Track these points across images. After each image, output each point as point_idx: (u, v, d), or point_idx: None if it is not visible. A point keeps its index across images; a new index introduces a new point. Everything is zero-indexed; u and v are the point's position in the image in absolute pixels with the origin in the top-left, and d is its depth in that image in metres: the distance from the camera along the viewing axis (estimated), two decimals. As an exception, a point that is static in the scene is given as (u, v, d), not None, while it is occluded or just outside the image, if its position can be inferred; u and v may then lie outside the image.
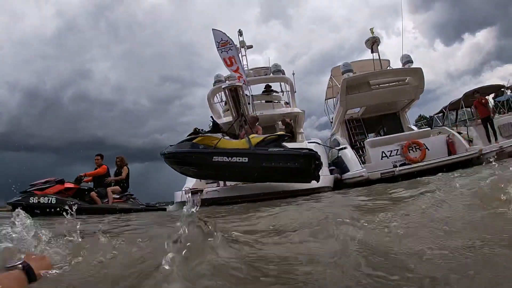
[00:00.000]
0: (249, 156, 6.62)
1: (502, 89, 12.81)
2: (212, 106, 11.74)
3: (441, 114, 12.74)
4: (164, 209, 8.89)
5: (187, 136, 7.19)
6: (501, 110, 11.87)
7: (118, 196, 8.16)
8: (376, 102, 11.16)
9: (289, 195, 6.89)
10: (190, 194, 7.85)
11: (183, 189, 8.32)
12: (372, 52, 12.01)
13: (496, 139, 9.20)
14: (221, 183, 8.08)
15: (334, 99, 13.14)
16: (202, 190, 7.75)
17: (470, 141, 9.42)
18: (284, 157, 6.68)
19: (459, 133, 9.71)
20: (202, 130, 7.26)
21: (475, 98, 10.27)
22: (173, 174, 7.91)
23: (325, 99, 14.43)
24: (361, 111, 12.17)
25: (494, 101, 13.06)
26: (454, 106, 11.61)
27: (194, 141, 6.94)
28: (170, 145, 7.24)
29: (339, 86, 11.11)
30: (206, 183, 8.62)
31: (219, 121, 8.59)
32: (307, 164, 6.69)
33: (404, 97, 11.34)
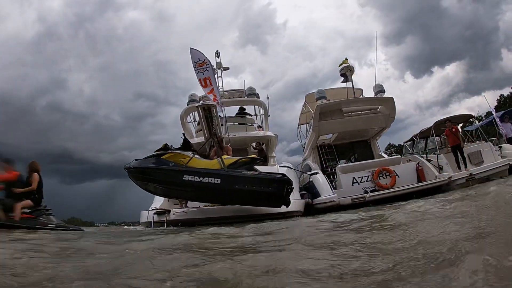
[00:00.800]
0: (222, 178, 6.43)
1: (471, 119, 13.45)
2: (184, 125, 11.57)
3: (411, 142, 13.10)
4: (82, 230, 7.74)
5: (156, 151, 6.89)
6: (470, 139, 12.39)
7: (28, 211, 6.63)
8: (348, 129, 11.32)
9: (259, 218, 6.69)
10: (156, 215, 7.53)
11: (150, 209, 7.96)
12: (346, 80, 12.30)
13: (465, 166, 9.46)
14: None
15: (307, 125, 13.27)
16: (169, 211, 7.45)
17: (440, 168, 9.61)
18: (258, 180, 6.55)
19: (429, 160, 9.93)
20: (172, 146, 7.01)
21: (445, 127, 10.67)
22: (141, 193, 7.58)
23: (298, 125, 14.57)
24: (333, 138, 12.32)
25: (463, 130, 13.66)
26: (424, 134, 11.96)
27: (163, 157, 6.69)
28: (136, 159, 6.91)
29: (312, 112, 11.27)
30: (174, 204, 8.35)
31: (191, 141, 8.42)
32: (280, 189, 6.59)
33: (376, 125, 11.58)
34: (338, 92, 12.61)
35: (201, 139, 9.34)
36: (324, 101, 11.07)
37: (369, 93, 12.72)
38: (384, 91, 11.66)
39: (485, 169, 9.32)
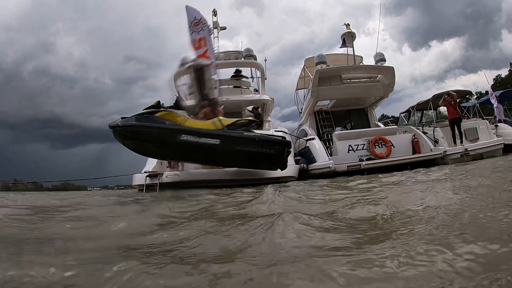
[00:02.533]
0: (222, 138, 6.20)
1: (468, 96, 13.41)
2: (175, 88, 11.16)
3: (407, 113, 13.08)
4: None
5: (146, 108, 6.47)
6: (465, 115, 12.43)
7: None
8: (346, 96, 11.23)
9: (254, 182, 6.72)
10: (148, 178, 7.40)
11: (142, 171, 7.77)
12: (344, 46, 12.01)
13: (461, 141, 9.49)
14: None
15: (305, 90, 13.10)
16: (162, 174, 7.28)
17: (435, 141, 9.63)
18: (260, 142, 6.37)
19: (425, 133, 9.95)
20: (163, 104, 6.63)
21: (444, 100, 10.62)
22: (134, 156, 7.33)
23: (296, 89, 14.40)
24: (330, 104, 12.19)
25: (460, 106, 13.65)
26: (421, 106, 11.93)
27: (156, 114, 6.31)
28: (122, 117, 6.41)
29: (311, 77, 11.06)
30: (167, 166, 8.19)
31: (185, 104, 8.11)
32: (281, 151, 6.48)
33: (374, 94, 11.50)
34: (338, 58, 12.41)
35: (193, 102, 9.02)
36: (324, 66, 10.87)
37: (368, 61, 12.54)
38: (385, 60, 11.52)
39: (480, 146, 9.37)
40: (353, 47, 12.04)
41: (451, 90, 11.60)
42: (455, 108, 9.85)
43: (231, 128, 6.45)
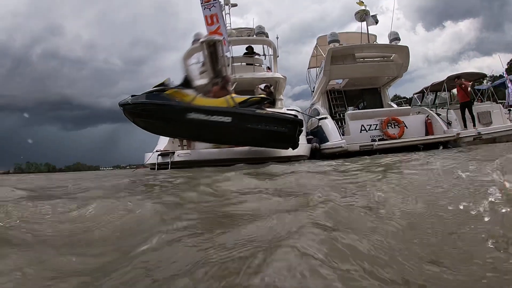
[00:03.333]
0: (234, 116, 6.11)
1: (482, 79, 13.16)
2: (187, 67, 11.04)
3: (421, 94, 12.88)
4: None
5: (155, 87, 6.44)
6: (479, 98, 12.25)
7: None
8: (359, 75, 11.06)
9: (267, 161, 6.66)
10: (160, 157, 7.45)
11: (154, 150, 7.83)
12: (366, 23, 11.72)
13: (474, 124, 9.41)
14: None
15: (317, 68, 12.93)
16: (173, 153, 7.36)
17: (449, 123, 9.54)
18: (272, 120, 6.33)
19: (438, 114, 9.82)
20: (173, 82, 6.57)
21: (456, 83, 10.43)
22: (145, 136, 7.36)
23: (308, 68, 14.21)
24: (343, 83, 12.04)
25: (473, 89, 13.42)
26: (435, 88, 11.74)
27: (166, 92, 6.27)
28: (132, 95, 6.41)
29: (324, 55, 10.89)
30: (178, 145, 8.27)
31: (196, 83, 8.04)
32: (293, 129, 6.42)
33: (388, 74, 11.34)
34: (351, 36, 12.18)
35: (205, 81, 8.94)
36: (337, 44, 10.67)
37: (382, 40, 12.29)
38: (399, 39, 11.28)
39: (493, 130, 9.32)
40: (367, 26, 11.79)
41: (464, 72, 11.41)
42: (465, 91, 9.73)
43: (243, 106, 6.39)
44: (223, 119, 6.09)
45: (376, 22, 11.65)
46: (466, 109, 9.68)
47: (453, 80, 11.15)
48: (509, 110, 11.03)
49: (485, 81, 14.49)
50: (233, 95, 6.73)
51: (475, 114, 9.73)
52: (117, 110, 6.48)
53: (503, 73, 13.93)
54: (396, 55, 10.98)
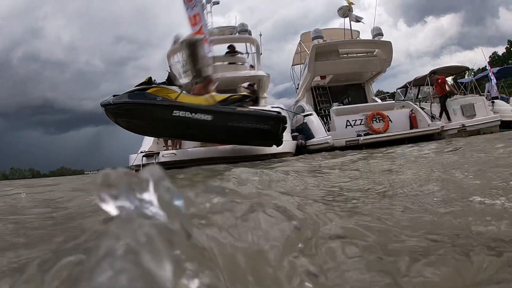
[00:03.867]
0: (214, 114, 6.07)
1: (464, 72, 13.42)
2: (171, 66, 10.97)
3: (404, 88, 13.04)
4: None
5: (138, 85, 6.33)
6: (462, 91, 12.48)
7: None
8: (343, 71, 11.14)
9: (252, 159, 6.71)
10: (144, 158, 7.34)
11: (139, 152, 7.70)
12: (349, 19, 11.85)
13: (448, 118, 9.64)
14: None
15: (301, 65, 12.97)
16: (158, 153, 7.24)
17: (432, 117, 9.68)
18: (253, 117, 6.29)
19: (422, 108, 9.96)
20: (155, 81, 6.49)
21: (440, 74, 10.58)
22: (130, 137, 7.26)
23: (292, 65, 14.28)
24: (327, 79, 12.10)
25: (456, 82, 13.68)
26: (419, 82, 11.91)
27: (148, 91, 6.16)
28: (114, 95, 6.28)
29: (308, 52, 10.89)
30: (163, 146, 8.16)
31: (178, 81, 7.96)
32: (276, 126, 6.40)
33: (371, 69, 11.46)
34: (335, 32, 12.31)
35: (188, 80, 8.87)
36: (321, 41, 10.73)
37: (365, 36, 12.41)
38: (382, 35, 11.41)
39: (477, 122, 9.48)
40: (351, 20, 11.89)
41: (448, 66, 11.66)
42: (441, 86, 9.93)
43: (224, 104, 6.37)
44: (204, 117, 6.03)
45: (358, 21, 11.77)
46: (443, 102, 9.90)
47: (432, 75, 11.41)
48: (493, 102, 11.22)
49: (466, 75, 14.73)
50: (214, 93, 6.69)
51: (458, 107, 9.90)
52: (99, 112, 6.35)
53: (486, 66, 14.16)
54: (379, 50, 11.10)
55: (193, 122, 6.02)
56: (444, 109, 9.80)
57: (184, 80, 9.55)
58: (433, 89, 11.81)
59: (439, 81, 9.99)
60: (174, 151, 7.43)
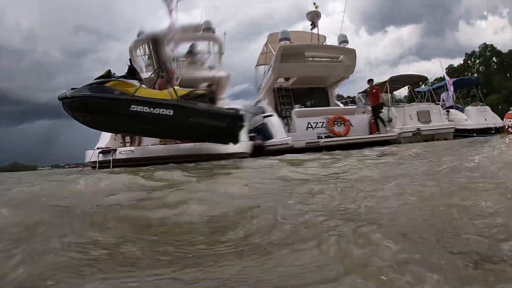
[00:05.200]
0: (176, 109, 6.02)
1: (422, 82, 14.26)
2: (133, 59, 10.67)
3: (364, 93, 13.53)
4: None
5: (97, 78, 6.12)
6: (419, 99, 13.38)
7: None
8: (308, 74, 11.35)
9: (210, 158, 6.77)
10: (101, 155, 7.16)
11: (95, 148, 7.53)
12: (313, 26, 12.20)
13: (384, 125, 10.03)
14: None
15: (266, 66, 13.08)
16: (115, 150, 7.12)
17: (389, 120, 10.21)
18: (214, 114, 6.36)
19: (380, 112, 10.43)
20: (114, 74, 6.30)
21: (399, 83, 11.12)
22: (86, 133, 7.03)
23: (256, 65, 14.36)
24: (291, 81, 12.27)
25: (414, 90, 14.47)
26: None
27: (106, 84, 5.97)
28: (72, 88, 6.02)
29: (274, 53, 11.03)
30: (121, 142, 7.99)
31: (141, 76, 7.77)
32: (233, 124, 6.51)
33: (335, 74, 11.79)
34: (302, 35, 12.56)
35: (150, 74, 8.69)
36: (288, 42, 10.88)
37: (330, 41, 12.79)
38: (348, 42, 11.80)
39: (431, 127, 10.19)
40: (317, 27, 12.23)
41: (407, 74, 12.28)
42: (375, 96, 10.27)
43: (186, 99, 6.35)
44: (166, 112, 5.97)
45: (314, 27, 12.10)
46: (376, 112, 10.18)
47: (395, 81, 12.00)
48: (448, 111, 11.93)
49: (423, 85, 15.61)
50: (176, 87, 6.63)
51: (415, 112, 10.45)
52: (55, 105, 6.11)
53: (443, 75, 14.97)
54: (344, 57, 11.53)
55: (152, 118, 5.94)
56: (376, 119, 10.08)
57: (145, 74, 9.36)
58: (392, 95, 12.44)
59: (374, 91, 10.34)
60: (131, 148, 7.34)
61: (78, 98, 5.84)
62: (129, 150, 7.15)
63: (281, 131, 9.15)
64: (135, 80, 6.35)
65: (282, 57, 10.38)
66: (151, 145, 7.58)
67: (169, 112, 5.98)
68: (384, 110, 10.56)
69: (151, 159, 6.92)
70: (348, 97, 15.56)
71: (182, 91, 6.49)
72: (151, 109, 5.91)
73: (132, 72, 6.56)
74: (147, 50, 10.09)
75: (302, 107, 10.72)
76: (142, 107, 5.87)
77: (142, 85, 6.36)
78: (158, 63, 7.39)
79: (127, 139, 8.43)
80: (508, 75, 37.53)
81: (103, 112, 5.91)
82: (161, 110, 5.95)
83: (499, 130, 11.12)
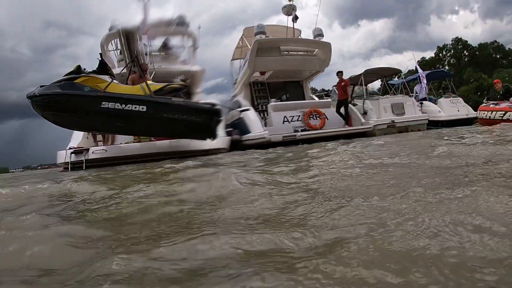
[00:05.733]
0: (149, 105, 5.82)
1: (396, 74, 14.58)
2: (105, 53, 10.41)
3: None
4: None
5: (66, 74, 5.94)
6: (393, 91, 13.56)
7: None
8: (283, 67, 11.39)
9: (186, 155, 6.68)
10: (73, 155, 6.94)
11: (67, 148, 7.30)
12: (295, 19, 12.18)
13: (346, 122, 10.11)
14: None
15: (241, 60, 13.09)
16: (88, 149, 6.91)
17: (365, 113, 10.41)
18: (189, 109, 6.14)
19: (354, 105, 10.75)
20: (84, 69, 6.09)
21: (374, 76, 11.32)
22: (59, 131, 6.81)
23: (232, 59, 14.32)
24: (266, 75, 12.21)
25: (388, 83, 14.81)
26: (353, 81, 12.52)
27: (76, 81, 5.79)
28: (41, 86, 5.86)
29: (249, 46, 11.02)
30: (93, 142, 7.79)
31: (113, 71, 7.57)
32: (210, 119, 6.33)
33: (310, 68, 11.93)
34: (277, 29, 12.58)
35: (121, 70, 8.46)
36: (263, 36, 10.88)
37: (305, 35, 12.89)
38: (323, 35, 11.89)
39: (406, 119, 10.43)
40: (293, 20, 12.24)
41: (381, 67, 12.51)
42: (344, 89, 10.36)
43: (160, 94, 6.16)
44: (139, 108, 5.77)
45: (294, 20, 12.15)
46: (343, 107, 10.25)
47: (370, 74, 12.22)
48: (421, 102, 12.27)
49: (396, 78, 15.99)
50: (149, 82, 6.46)
51: (389, 105, 10.70)
52: (24, 104, 5.95)
53: (416, 67, 15.31)
54: (319, 50, 11.62)
55: (124, 114, 5.77)
56: (340, 113, 10.17)
57: (118, 70, 9.14)
58: (366, 88, 12.63)
59: (343, 84, 10.40)
60: (104, 147, 7.14)
61: (47, 96, 5.69)
62: (102, 149, 6.95)
63: (258, 125, 9.18)
64: (106, 76, 6.20)
65: (258, 51, 10.37)
66: (125, 144, 7.41)
67: (142, 108, 5.79)
68: (359, 103, 10.78)
69: (126, 158, 6.79)
70: (323, 90, 15.73)
71: (156, 86, 6.31)
72: (123, 105, 5.71)
73: (103, 67, 6.39)
74: (119, 44, 9.84)
75: (278, 101, 10.79)
76: (114, 103, 5.69)
77: (114, 81, 6.21)
78: (130, 58, 7.22)
79: (100, 137, 8.22)
80: (478, 68, 39.24)
81: (73, 110, 5.75)
82: (134, 106, 5.75)
83: (473, 121, 11.35)
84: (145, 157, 6.57)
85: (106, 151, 6.92)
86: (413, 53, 34.78)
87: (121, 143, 7.49)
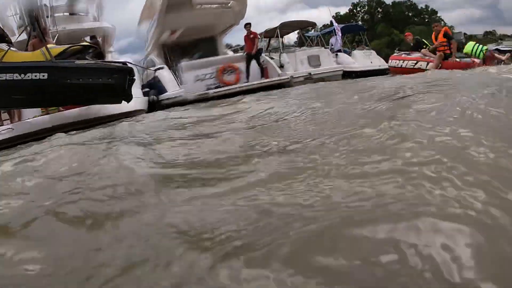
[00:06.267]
0: (50, 71, 5.29)
1: (311, 27, 15.13)
2: (3, 20, 9.27)
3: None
4: None
5: None
6: (309, 43, 14.22)
7: None
8: (196, 23, 10.97)
9: (101, 121, 6.42)
10: None
11: None
12: None
13: (262, 75, 10.32)
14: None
15: (151, 20, 12.09)
16: None
17: (281, 66, 10.70)
18: (94, 71, 5.65)
19: (272, 58, 10.95)
20: None
21: (290, 28, 11.55)
22: None
23: (140, 19, 13.24)
24: (177, 34, 11.72)
25: (304, 35, 15.32)
26: (269, 34, 12.77)
27: None
28: None
29: (159, 4, 10.46)
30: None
31: (12, 39, 6.67)
32: (121, 80, 5.88)
33: (225, 21, 11.70)
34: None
35: (24, 36, 7.47)
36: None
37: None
38: None
39: (322, 71, 10.95)
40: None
41: (296, 20, 12.87)
42: (253, 41, 10.29)
43: (62, 58, 5.67)
44: (39, 76, 5.25)
45: None
46: (254, 60, 10.24)
47: (286, 27, 12.51)
48: (336, 54, 12.92)
49: (313, 30, 16.55)
50: (50, 45, 5.94)
51: (305, 57, 11.16)
52: None
53: (331, 21, 15.81)
54: (234, 2, 11.19)
55: (24, 85, 5.28)
56: (248, 68, 10.13)
57: (19, 37, 8.32)
58: (283, 40, 12.95)
59: (251, 36, 10.30)
60: (10, 125, 6.45)
61: None
62: (9, 128, 6.20)
63: (173, 83, 9.10)
64: (2, 44, 5.63)
65: (168, 7, 9.78)
66: (32, 118, 6.64)
67: (43, 75, 5.27)
68: (276, 56, 11.03)
69: (34, 134, 6.04)
70: (238, 45, 15.69)
71: (57, 49, 5.80)
72: (22, 75, 5.20)
73: (1, 36, 5.79)
74: (18, 7, 8.80)
75: (190, 60, 10.61)
76: (12, 74, 5.16)
77: (12, 48, 5.67)
78: (30, 21, 6.54)
79: (5, 116, 7.59)
80: (391, 24, 41.77)
81: None
82: (34, 74, 5.23)
83: (385, 71, 11.72)
84: (56, 130, 5.89)
85: (13, 129, 6.19)
86: (329, 8, 35.70)
87: (28, 118, 6.66)
